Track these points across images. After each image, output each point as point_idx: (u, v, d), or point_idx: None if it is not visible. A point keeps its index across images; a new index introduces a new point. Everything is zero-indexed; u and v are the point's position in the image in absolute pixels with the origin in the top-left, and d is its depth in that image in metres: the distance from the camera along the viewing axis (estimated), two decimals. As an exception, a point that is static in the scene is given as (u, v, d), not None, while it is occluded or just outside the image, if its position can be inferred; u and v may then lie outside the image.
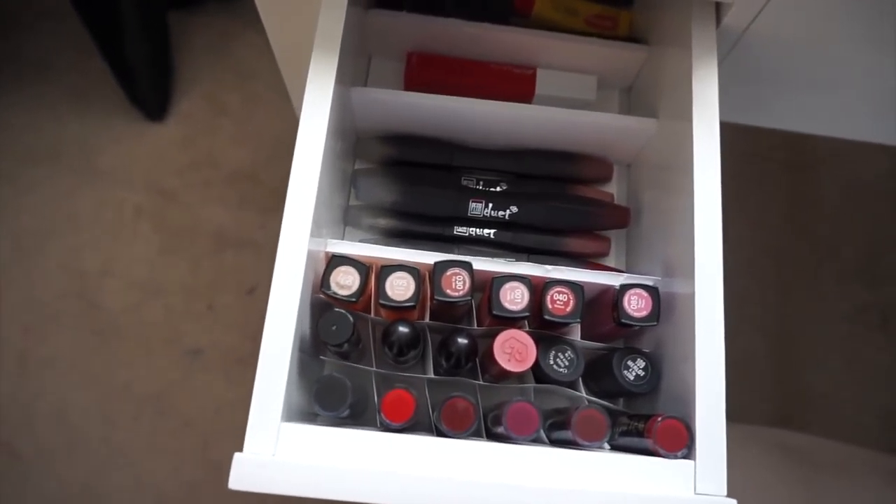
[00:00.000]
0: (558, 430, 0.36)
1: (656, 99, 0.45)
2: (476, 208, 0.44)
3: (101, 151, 1.06)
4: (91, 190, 1.04)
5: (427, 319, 0.39)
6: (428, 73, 0.48)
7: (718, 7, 0.39)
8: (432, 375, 0.39)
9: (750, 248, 1.06)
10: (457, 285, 0.37)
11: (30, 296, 0.99)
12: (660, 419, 0.33)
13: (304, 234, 0.34)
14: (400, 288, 0.36)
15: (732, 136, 1.11)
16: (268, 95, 1.11)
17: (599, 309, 0.41)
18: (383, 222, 0.44)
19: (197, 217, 1.04)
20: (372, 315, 0.39)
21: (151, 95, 1.05)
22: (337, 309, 0.35)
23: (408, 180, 0.44)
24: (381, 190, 0.44)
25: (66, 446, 0.93)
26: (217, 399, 0.95)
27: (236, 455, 0.31)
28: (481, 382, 0.39)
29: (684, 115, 0.39)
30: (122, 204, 1.04)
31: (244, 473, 0.30)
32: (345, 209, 0.45)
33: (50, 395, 0.95)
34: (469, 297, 0.37)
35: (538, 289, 0.37)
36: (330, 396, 0.33)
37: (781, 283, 1.05)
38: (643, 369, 0.38)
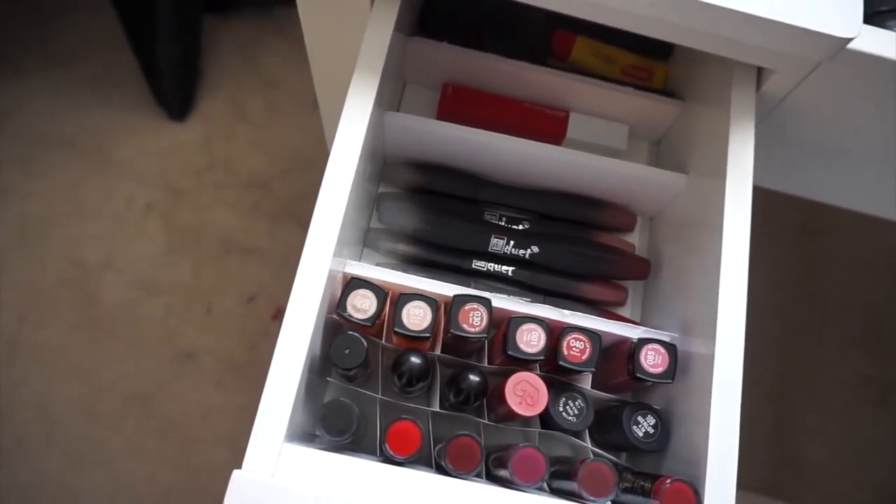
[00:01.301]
0: (560, 479, 0.36)
1: (687, 155, 0.45)
2: (497, 244, 0.44)
3: (118, 144, 1.06)
4: (103, 181, 1.04)
5: (438, 351, 0.39)
6: (462, 105, 0.48)
7: (760, 72, 0.40)
8: (437, 409, 0.38)
9: (755, 305, 1.05)
10: (474, 321, 0.36)
11: (28, 281, 0.98)
12: (669, 481, 0.33)
13: (328, 253, 0.34)
14: (416, 317, 0.36)
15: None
16: (290, 106, 1.12)
17: (613, 360, 0.40)
18: (402, 248, 0.44)
19: (206, 219, 1.04)
20: (383, 341, 0.38)
21: (175, 94, 1.06)
22: (351, 332, 0.34)
23: (432, 209, 0.44)
24: (404, 216, 0.44)
25: (46, 438, 0.91)
26: (205, 405, 0.94)
27: (235, 473, 0.30)
28: (486, 421, 0.38)
29: (717, 173, 0.39)
30: (132, 198, 1.04)
31: (241, 492, 0.29)
32: (365, 230, 0.45)
33: (35, 384, 0.94)
34: (485, 335, 0.36)
35: (554, 333, 0.37)
36: (336, 422, 0.32)
37: (784, 345, 1.05)
38: (653, 426, 0.37)
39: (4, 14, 1.10)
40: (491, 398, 0.39)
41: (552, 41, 0.50)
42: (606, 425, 0.39)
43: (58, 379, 0.94)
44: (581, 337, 0.37)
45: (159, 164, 1.06)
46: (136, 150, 1.06)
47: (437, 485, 0.31)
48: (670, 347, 0.37)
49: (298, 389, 0.32)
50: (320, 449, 0.31)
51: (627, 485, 0.36)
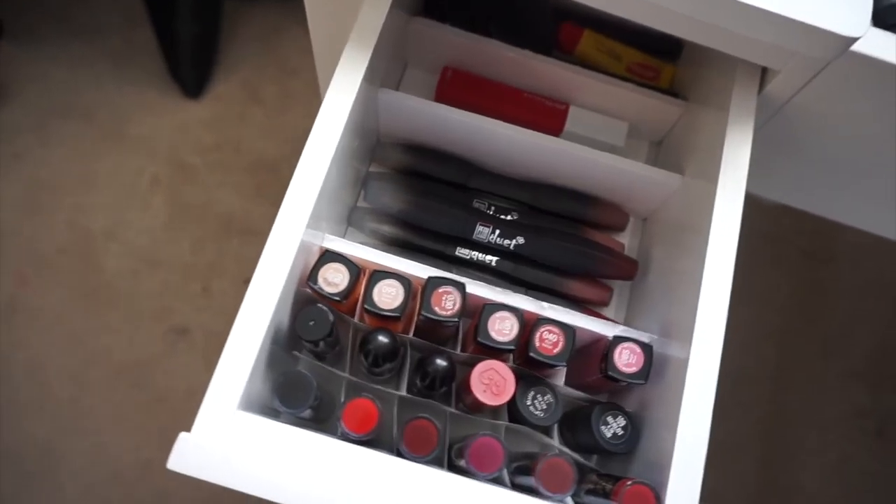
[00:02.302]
0: (523, 475, 0.35)
1: (685, 156, 0.43)
2: (482, 232, 0.43)
3: (132, 118, 1.07)
4: (114, 153, 1.05)
5: (411, 335, 0.38)
6: (460, 89, 0.47)
7: (764, 73, 0.38)
8: (404, 393, 0.37)
9: (754, 329, 1.03)
10: (446, 304, 0.35)
11: (32, 245, 0.99)
12: (629, 483, 0.31)
13: (302, 222, 0.33)
14: (388, 296, 0.35)
15: (757, 215, 1.10)
16: (304, 94, 1.12)
17: (588, 358, 0.39)
18: (387, 229, 0.43)
19: (210, 198, 1.04)
20: (356, 320, 0.37)
21: (192, 73, 1.06)
22: (319, 305, 0.34)
23: (419, 191, 0.43)
24: (390, 196, 0.43)
25: (36, 401, 0.92)
26: (193, 381, 0.94)
27: (182, 434, 0.29)
28: (453, 410, 0.37)
29: (711, 176, 0.38)
30: (140, 172, 1.04)
31: (187, 455, 0.29)
32: (351, 208, 0.44)
33: (30, 347, 0.94)
34: (457, 319, 0.35)
35: (529, 324, 0.36)
36: (292, 392, 0.31)
37: (781, 370, 1.03)
38: (622, 428, 0.36)
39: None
40: (460, 388, 0.38)
41: (559, 33, 0.49)
42: (576, 425, 0.38)
43: (52, 343, 0.94)
44: (555, 329, 0.36)
45: (170, 140, 1.06)
46: (149, 126, 1.07)
47: (387, 466, 0.30)
48: (646, 347, 0.36)
49: (258, 358, 0.31)
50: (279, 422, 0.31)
51: (591, 486, 0.35)
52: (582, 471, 0.37)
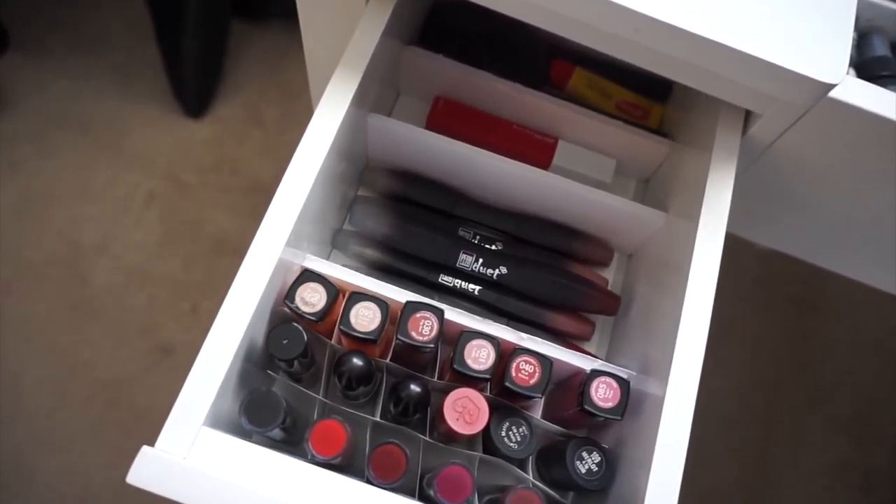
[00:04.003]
0: (493, 507, 0.34)
1: (670, 195, 0.44)
2: (466, 260, 0.43)
3: (131, 133, 1.08)
4: (110, 167, 1.05)
5: (388, 360, 0.37)
6: (451, 119, 0.47)
7: (748, 117, 0.39)
8: (377, 419, 0.37)
9: (743, 375, 1.03)
10: (423, 329, 0.35)
11: (19, 255, 0.98)
12: (600, 520, 0.31)
13: (281, 240, 0.33)
14: (365, 318, 0.35)
15: (749, 261, 1.10)
16: (305, 117, 1.11)
17: (566, 392, 0.38)
18: (370, 253, 0.43)
19: (205, 217, 1.04)
20: (333, 342, 0.37)
21: (194, 91, 1.07)
22: (294, 324, 0.33)
23: (404, 217, 0.43)
24: (375, 220, 0.43)
25: (11, 412, 0.90)
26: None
27: (144, 448, 0.29)
28: (426, 438, 0.36)
29: (693, 215, 0.38)
30: (136, 187, 1.04)
31: (147, 469, 0.28)
32: (335, 231, 0.44)
33: (9, 357, 0.93)
34: (433, 345, 0.35)
35: (506, 354, 0.36)
36: (260, 411, 0.31)
37: (769, 417, 1.02)
38: (597, 464, 0.36)
39: (44, -4, 1.14)
40: (435, 416, 0.37)
41: (550, 69, 0.50)
42: (551, 460, 0.38)
43: (33, 354, 0.93)
44: (531, 360, 0.35)
45: (168, 157, 1.07)
46: (148, 141, 1.08)
47: (352, 491, 0.29)
48: (623, 383, 0.36)
49: (228, 374, 0.31)
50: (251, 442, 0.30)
51: (562, 523, 0.35)
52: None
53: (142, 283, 0.99)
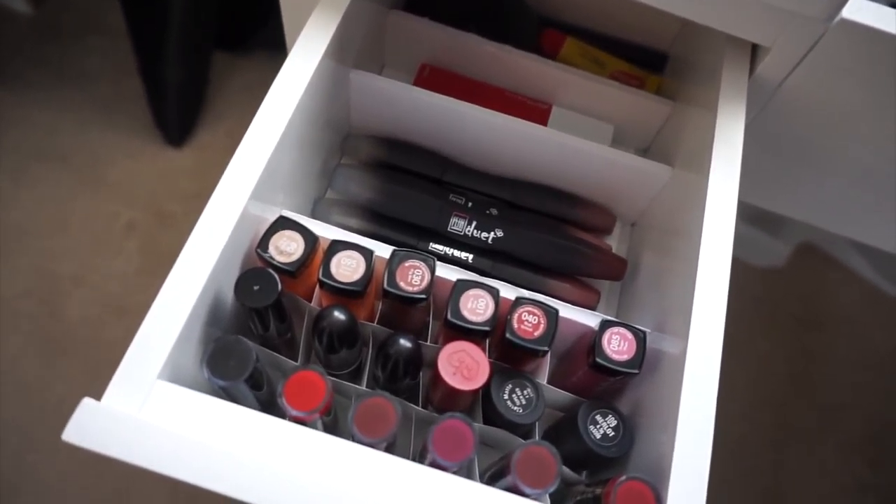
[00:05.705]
0: (498, 479, 0.29)
1: (674, 155, 0.41)
2: (458, 224, 0.39)
3: (112, 164, 1.05)
4: (89, 198, 1.02)
5: (375, 323, 0.33)
6: (438, 87, 0.45)
7: (754, 57, 0.37)
8: (363, 388, 0.32)
9: (751, 396, 0.98)
10: (413, 279, 0.31)
11: (-8, 287, 0.94)
12: (623, 478, 0.26)
13: (246, 189, 0.30)
14: (347, 268, 0.31)
15: (745, 279, 1.06)
16: (290, 145, 1.11)
17: (575, 355, 0.34)
18: (354, 222, 0.40)
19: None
20: (312, 304, 0.33)
21: (175, 120, 1.05)
22: (266, 269, 0.30)
23: (389, 180, 0.40)
24: (358, 184, 0.40)
25: (-24, 454, 0.84)
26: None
27: (85, 400, 0.24)
28: (419, 409, 0.32)
29: (702, 167, 0.34)
30: (115, 217, 1.01)
31: (88, 425, 0.24)
32: (316, 200, 0.41)
33: (-23, 395, 0.87)
34: (425, 296, 0.31)
35: (505, 305, 0.32)
36: (226, 362, 0.27)
37: (780, 439, 0.96)
38: (613, 428, 0.31)
39: (31, 31, 1.13)
40: (430, 385, 0.33)
41: (541, 39, 0.48)
42: (562, 432, 0.33)
43: (1, 392, 0.87)
44: (535, 311, 0.31)
45: (149, 187, 1.04)
46: (129, 171, 1.05)
47: (329, 447, 0.25)
48: (638, 333, 0.32)
49: (188, 328, 0.27)
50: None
51: (579, 497, 0.30)
52: (569, 485, 0.32)
53: (119, 315, 0.94)
